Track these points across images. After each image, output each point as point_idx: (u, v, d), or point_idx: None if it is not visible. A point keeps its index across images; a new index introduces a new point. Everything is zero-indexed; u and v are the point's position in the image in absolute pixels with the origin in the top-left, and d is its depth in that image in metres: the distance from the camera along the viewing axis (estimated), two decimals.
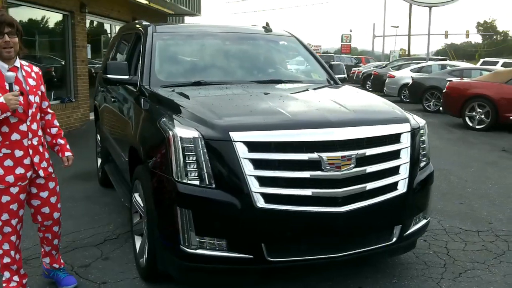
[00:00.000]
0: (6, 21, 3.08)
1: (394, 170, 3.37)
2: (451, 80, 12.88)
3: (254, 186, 3.01)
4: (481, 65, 21.95)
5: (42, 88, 3.39)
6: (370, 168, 3.23)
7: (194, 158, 3.08)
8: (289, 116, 3.24)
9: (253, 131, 3.08)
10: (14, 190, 3.16)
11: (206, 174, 3.06)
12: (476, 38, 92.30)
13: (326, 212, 3.09)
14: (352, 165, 3.15)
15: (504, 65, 20.83)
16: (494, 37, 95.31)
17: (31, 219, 3.48)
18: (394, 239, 3.42)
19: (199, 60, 4.71)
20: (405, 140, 3.44)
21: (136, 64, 4.57)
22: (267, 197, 3.02)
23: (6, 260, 3.30)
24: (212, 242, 3.10)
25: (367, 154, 3.22)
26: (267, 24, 5.17)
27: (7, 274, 3.35)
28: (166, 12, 15.98)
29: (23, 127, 3.16)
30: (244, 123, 3.16)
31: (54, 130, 3.51)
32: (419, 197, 3.56)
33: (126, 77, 4.30)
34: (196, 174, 3.08)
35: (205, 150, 3.06)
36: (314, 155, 3.07)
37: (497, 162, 8.22)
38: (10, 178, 3.14)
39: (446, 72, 16.12)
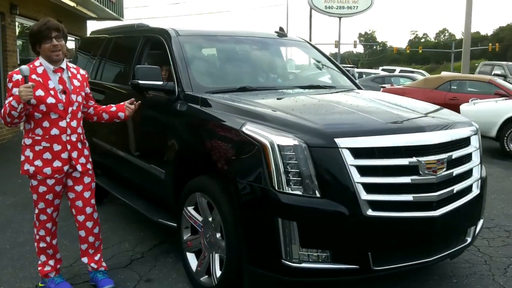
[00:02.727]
0: (53, 26, 3.30)
1: (470, 172, 3.46)
2: (384, 87, 13.56)
3: (362, 193, 2.92)
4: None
5: (87, 89, 3.61)
6: (456, 171, 3.28)
7: (296, 167, 2.91)
8: (382, 121, 3.19)
9: (357, 137, 2.99)
10: (50, 181, 3.36)
11: (311, 183, 2.91)
12: (358, 48, 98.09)
13: (425, 217, 3.08)
14: (445, 169, 3.17)
15: (401, 72, 22.62)
16: (375, 47, 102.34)
17: None
18: (469, 240, 3.50)
19: (233, 65, 4.49)
20: (474, 142, 3.55)
21: None
22: (374, 205, 2.95)
23: (42, 244, 3.55)
24: (316, 254, 2.95)
25: (453, 157, 3.26)
26: (281, 29, 5.07)
27: (43, 258, 3.60)
28: (90, 16, 15.13)
29: (63, 123, 3.34)
30: (347, 129, 3.06)
31: (103, 107, 3.74)
32: (483, 197, 3.67)
33: (160, 83, 3.97)
34: (299, 184, 2.92)
35: (310, 158, 2.91)
36: (414, 160, 3.05)
37: None
38: (47, 170, 3.33)
39: (369, 79, 16.96)
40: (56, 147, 3.33)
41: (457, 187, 3.28)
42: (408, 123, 3.25)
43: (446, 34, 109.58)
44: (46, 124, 3.29)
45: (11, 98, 3.13)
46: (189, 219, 3.65)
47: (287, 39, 5.06)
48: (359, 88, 4.77)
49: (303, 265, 2.93)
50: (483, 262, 4.20)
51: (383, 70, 28.67)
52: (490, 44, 55.89)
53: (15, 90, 3.15)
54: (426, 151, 3.10)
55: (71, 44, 15.36)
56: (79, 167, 3.43)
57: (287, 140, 2.94)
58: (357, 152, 2.95)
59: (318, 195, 2.91)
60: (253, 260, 3.08)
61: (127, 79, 4.74)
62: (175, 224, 3.90)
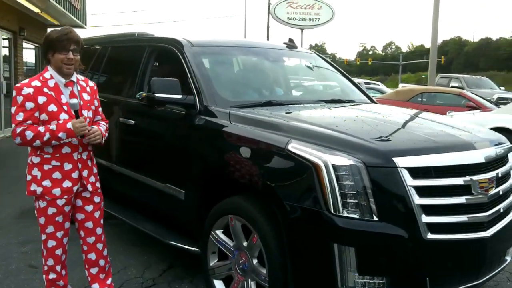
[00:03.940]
0: (73, 38, 3.05)
1: (511, 190, 3.38)
2: None
3: (421, 216, 2.77)
4: None
5: (96, 102, 3.30)
6: (501, 189, 3.19)
7: (352, 188, 2.73)
8: (433, 139, 3.06)
9: (415, 156, 2.84)
10: (60, 202, 3.08)
11: (369, 206, 2.73)
12: None
13: (477, 238, 2.96)
14: (494, 187, 3.08)
15: (366, 84, 22.87)
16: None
17: None
18: (508, 260, 3.41)
19: (253, 78, 4.27)
20: (511, 159, 3.48)
21: None
22: (432, 227, 2.80)
23: (52, 276, 3.20)
24: (373, 281, 2.77)
25: (499, 175, 3.17)
26: (291, 40, 4.88)
27: None
28: (52, 23, 14.47)
29: (74, 141, 3.07)
30: (403, 147, 2.90)
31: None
32: None
33: (179, 96, 3.70)
34: (355, 206, 2.73)
35: (368, 179, 2.73)
36: (467, 179, 2.93)
37: None
38: (56, 191, 3.06)
39: None
40: (67, 166, 3.08)
41: (502, 206, 3.19)
42: (457, 141, 3.14)
43: (393, 46, 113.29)
44: (56, 142, 3.02)
45: (54, 127, 2.92)
46: (218, 244, 3.39)
47: (298, 51, 4.88)
48: (372, 101, 4.65)
49: None
50: (505, 279, 4.14)
51: None
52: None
53: (69, 125, 2.95)
54: (478, 170, 3.00)
55: (31, 52, 14.65)
56: (89, 187, 3.19)
57: (342, 159, 2.76)
58: (415, 172, 2.80)
59: (375, 218, 2.74)
60: None
61: (130, 92, 4.44)
62: (196, 249, 3.63)
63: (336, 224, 2.70)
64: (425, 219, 2.77)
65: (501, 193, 3.16)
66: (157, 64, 4.44)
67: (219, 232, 3.38)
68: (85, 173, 3.16)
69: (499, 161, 3.23)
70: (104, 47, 5.16)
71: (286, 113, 3.53)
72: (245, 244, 3.21)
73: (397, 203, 2.76)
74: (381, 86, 19.87)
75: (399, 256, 2.77)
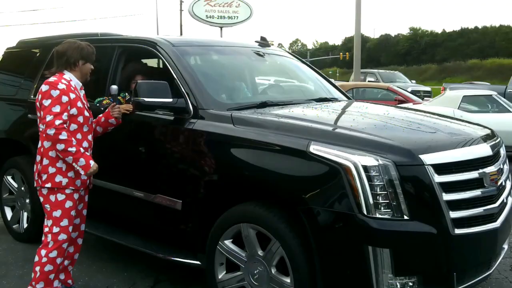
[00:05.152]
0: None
1: (506, 180, 3.50)
2: None
3: (448, 212, 2.78)
4: None
5: None
6: (503, 180, 3.30)
7: (383, 189, 2.68)
8: (447, 135, 3.10)
9: (438, 153, 2.84)
10: (76, 196, 3.32)
11: (400, 205, 2.70)
12: None
13: (491, 229, 3.03)
14: (501, 179, 3.18)
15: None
16: None
17: None
18: (506, 248, 3.53)
19: (240, 78, 4.07)
20: (503, 151, 3.61)
21: None
22: (457, 222, 2.83)
23: (48, 268, 3.26)
24: (405, 281, 2.75)
25: (501, 166, 3.28)
26: (263, 38, 4.72)
27: (39, 285, 3.28)
28: None
29: (90, 137, 3.42)
30: (426, 144, 2.90)
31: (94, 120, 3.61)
32: None
33: (170, 100, 3.46)
34: (387, 207, 2.69)
35: (398, 178, 2.69)
36: (481, 172, 2.99)
37: None
38: (78, 182, 3.29)
39: None
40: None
41: (504, 197, 3.29)
42: (468, 135, 3.20)
43: (299, 44, 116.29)
44: (79, 136, 3.30)
45: (82, 150, 3.20)
46: (227, 254, 3.21)
47: (275, 50, 4.77)
48: (348, 98, 4.65)
49: None
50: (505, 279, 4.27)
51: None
52: (341, 53, 59.93)
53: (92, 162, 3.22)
54: (488, 162, 3.08)
55: None
56: (90, 185, 3.52)
57: (371, 160, 2.70)
58: (439, 168, 2.80)
59: (406, 217, 2.71)
60: None
61: (97, 95, 4.08)
62: (197, 262, 3.42)
63: (371, 226, 2.64)
64: (452, 214, 2.79)
65: (503, 184, 3.27)
66: (127, 65, 4.12)
67: (228, 242, 3.19)
68: None
69: (498, 153, 3.34)
70: (44, 51, 4.71)
71: (289, 113, 3.41)
72: (260, 252, 3.06)
73: (426, 200, 2.76)
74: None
75: (430, 254, 2.77)
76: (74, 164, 3.15)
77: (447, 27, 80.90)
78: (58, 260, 3.28)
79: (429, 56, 63.19)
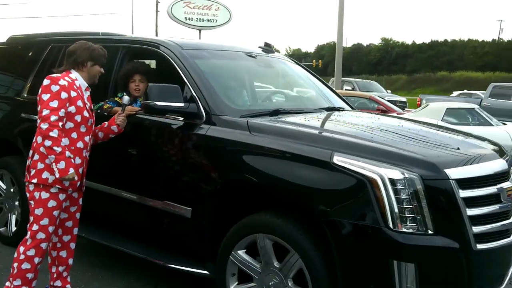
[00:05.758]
0: None
1: None
2: None
3: (471, 227, 2.77)
4: None
5: None
6: None
7: (409, 202, 2.65)
8: (467, 149, 3.10)
9: (461, 167, 2.83)
10: (62, 196, 3.22)
11: (425, 219, 2.67)
12: None
13: (507, 244, 3.03)
14: None
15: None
16: None
17: None
18: None
19: (251, 84, 3.98)
20: None
21: None
22: (478, 237, 2.81)
23: (26, 266, 3.20)
24: None
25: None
26: (267, 44, 4.63)
27: (17, 282, 3.23)
28: None
29: (87, 139, 3.35)
30: (449, 159, 2.88)
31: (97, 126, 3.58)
32: None
33: (182, 104, 3.36)
34: (412, 221, 2.66)
35: (423, 192, 2.66)
36: (499, 187, 3.00)
37: None
38: (66, 182, 3.16)
39: None
40: (77, 161, 3.27)
41: None
42: (486, 151, 3.20)
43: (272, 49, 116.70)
44: (74, 135, 3.25)
45: (68, 153, 3.12)
46: (240, 265, 3.12)
47: (280, 57, 4.70)
48: (352, 108, 4.62)
49: None
50: None
51: None
52: (314, 60, 60.36)
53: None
54: (504, 178, 3.09)
55: None
56: (83, 188, 3.44)
57: (397, 173, 2.67)
58: (463, 183, 2.79)
59: (431, 231, 2.68)
60: None
61: (100, 97, 3.95)
62: (205, 272, 3.32)
63: (397, 240, 2.61)
64: (474, 229, 2.78)
65: None
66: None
67: (241, 252, 3.11)
68: (84, 172, 3.38)
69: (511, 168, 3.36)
70: (54, 47, 4.53)
71: (307, 122, 3.35)
72: (276, 264, 2.98)
73: (451, 215, 2.74)
74: None
75: (453, 270, 2.75)
76: (53, 163, 3.06)
77: (417, 39, 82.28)
78: (36, 260, 3.20)
79: (399, 67, 64.24)
